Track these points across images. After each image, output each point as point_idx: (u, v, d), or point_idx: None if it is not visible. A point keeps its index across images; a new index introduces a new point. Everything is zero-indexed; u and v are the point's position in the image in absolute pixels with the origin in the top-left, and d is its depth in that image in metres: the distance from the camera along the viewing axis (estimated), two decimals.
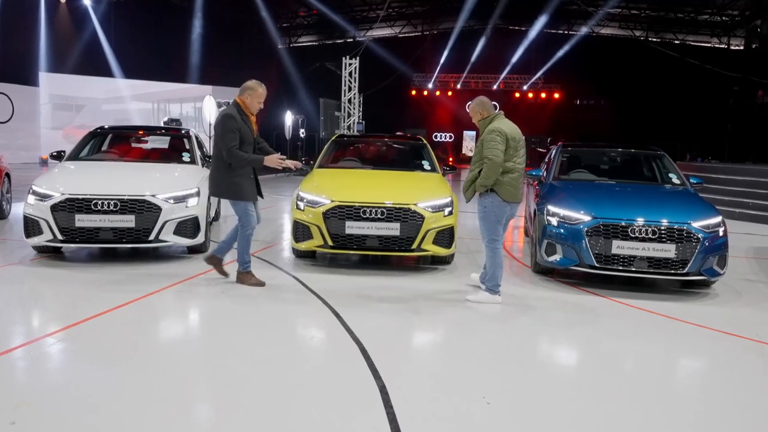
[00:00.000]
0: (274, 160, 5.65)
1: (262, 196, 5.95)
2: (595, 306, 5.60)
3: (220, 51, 25.11)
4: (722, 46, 32.30)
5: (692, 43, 32.69)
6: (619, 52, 31.72)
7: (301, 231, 6.48)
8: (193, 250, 7.06)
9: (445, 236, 6.48)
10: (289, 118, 23.19)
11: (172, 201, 6.44)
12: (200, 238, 6.76)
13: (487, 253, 5.54)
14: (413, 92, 33.64)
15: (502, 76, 32.11)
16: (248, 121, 5.68)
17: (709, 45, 32.71)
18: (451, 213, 6.54)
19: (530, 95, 32.25)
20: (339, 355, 4.13)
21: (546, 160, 8.56)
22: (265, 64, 29.39)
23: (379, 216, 6.24)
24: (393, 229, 6.25)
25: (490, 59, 31.34)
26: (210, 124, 14.57)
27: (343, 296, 5.54)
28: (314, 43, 37.96)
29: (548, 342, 4.71)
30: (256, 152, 5.79)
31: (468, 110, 5.57)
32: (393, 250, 6.34)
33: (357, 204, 6.27)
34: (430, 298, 5.66)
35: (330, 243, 6.32)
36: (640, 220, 5.80)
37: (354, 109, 20.54)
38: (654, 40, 32.73)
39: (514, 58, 31.03)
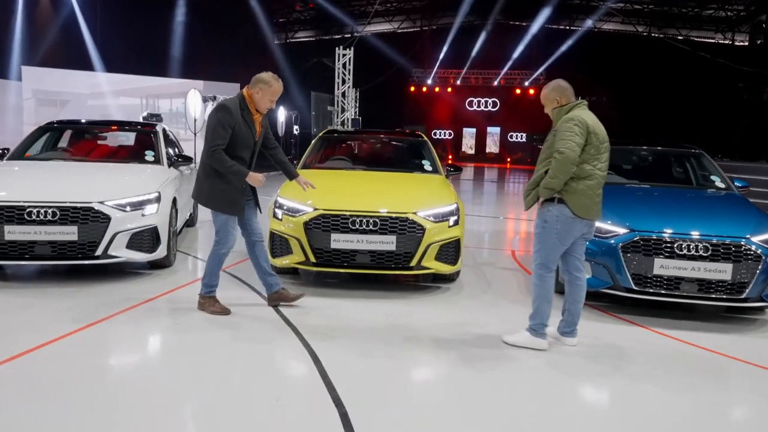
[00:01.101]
0: (257, 179, 4.53)
1: (260, 211, 4.91)
2: (631, 339, 4.50)
3: (212, 46, 23.96)
4: (726, 42, 31.21)
5: (696, 39, 31.55)
6: (621, 48, 30.58)
7: (278, 244, 5.38)
8: (155, 266, 5.95)
9: (450, 250, 5.38)
10: (282, 114, 22.04)
11: (124, 208, 5.33)
12: (161, 252, 5.66)
13: (533, 281, 4.22)
14: (412, 88, 32.47)
15: (503, 71, 30.95)
16: (250, 119, 4.54)
17: (713, 41, 31.59)
18: (456, 223, 5.44)
19: (531, 92, 31.07)
20: (310, 422, 3.02)
21: None
22: (260, 59, 28.24)
23: (371, 227, 5.14)
24: (388, 242, 5.14)
25: (491, 55, 30.15)
26: (195, 120, 13.47)
27: (323, 327, 4.44)
28: (311, 39, 36.76)
29: (572, 390, 3.61)
30: (253, 161, 4.70)
31: (541, 98, 4.32)
32: (388, 267, 5.23)
33: (345, 213, 5.16)
34: (431, 330, 4.55)
35: (312, 259, 5.21)
36: (689, 234, 4.70)
37: (348, 103, 18.91)
38: (657, 35, 31.61)
39: (516, 54, 29.88)
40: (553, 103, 4.23)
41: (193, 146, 13.69)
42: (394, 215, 5.18)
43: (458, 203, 5.59)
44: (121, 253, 5.31)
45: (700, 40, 31.52)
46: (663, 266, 4.69)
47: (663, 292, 4.74)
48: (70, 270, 5.80)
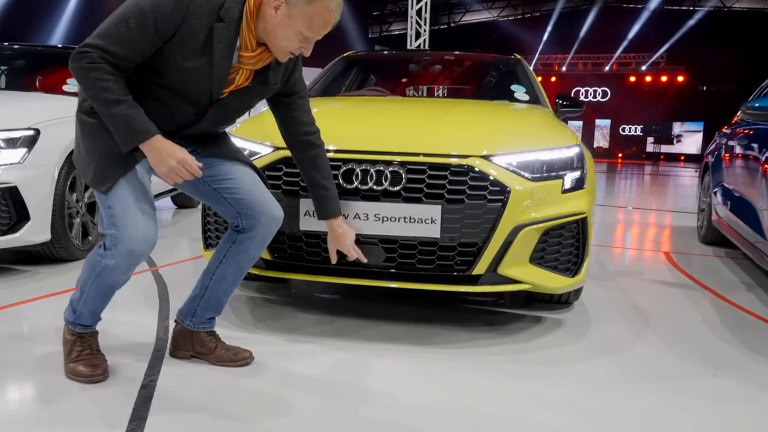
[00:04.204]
0: (169, 156, 1.74)
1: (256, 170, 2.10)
2: None
3: None
4: None
5: None
6: (757, 28, 25.49)
7: (213, 224, 2.60)
8: (45, 258, 3.37)
9: (566, 243, 2.37)
10: None
11: None
12: (33, 233, 3.06)
13: None
14: None
15: (616, 55, 26.66)
16: (228, 48, 1.79)
17: None
18: (580, 185, 2.43)
19: (648, 78, 26.58)
20: None
21: None
22: (345, 48, 26.07)
23: (388, 186, 2.24)
24: (424, 220, 2.22)
25: (601, 38, 25.97)
26: None
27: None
28: (404, 32, 34.28)
29: None
30: (186, 132, 1.91)
31: None
32: (422, 278, 2.31)
33: (332, 154, 2.29)
34: None
35: (265, 255, 2.38)
36: None
37: None
38: None
39: (630, 35, 25.59)
40: None
41: None
42: (439, 161, 2.25)
43: (582, 148, 2.56)
44: None
45: None
46: None
47: None
48: None
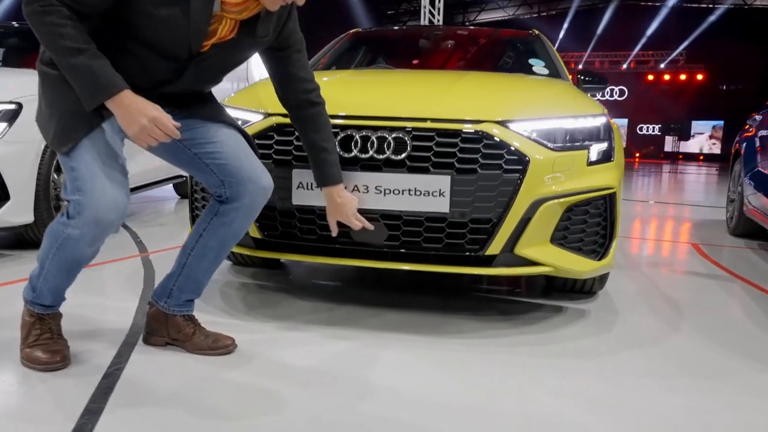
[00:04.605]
0: (141, 114, 1.51)
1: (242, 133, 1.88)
2: None
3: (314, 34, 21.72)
4: None
5: None
6: None
7: (200, 201, 2.37)
8: (26, 243, 3.16)
9: (592, 222, 2.11)
10: None
11: None
12: (17, 214, 2.86)
13: None
14: None
15: (633, 53, 26.16)
16: None
17: None
18: (608, 157, 2.16)
19: (666, 76, 26.05)
20: None
21: None
22: None
23: (390, 155, 1.99)
24: (429, 193, 1.97)
25: (618, 35, 25.52)
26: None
27: None
28: None
29: None
30: (165, 89, 1.66)
31: None
32: (429, 258, 2.05)
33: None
34: None
35: (254, 233, 2.14)
36: None
37: None
38: None
39: (649, 32, 25.07)
40: None
41: None
42: (449, 126, 1.99)
43: (608, 119, 2.30)
44: None
45: None
46: None
47: None
48: None
